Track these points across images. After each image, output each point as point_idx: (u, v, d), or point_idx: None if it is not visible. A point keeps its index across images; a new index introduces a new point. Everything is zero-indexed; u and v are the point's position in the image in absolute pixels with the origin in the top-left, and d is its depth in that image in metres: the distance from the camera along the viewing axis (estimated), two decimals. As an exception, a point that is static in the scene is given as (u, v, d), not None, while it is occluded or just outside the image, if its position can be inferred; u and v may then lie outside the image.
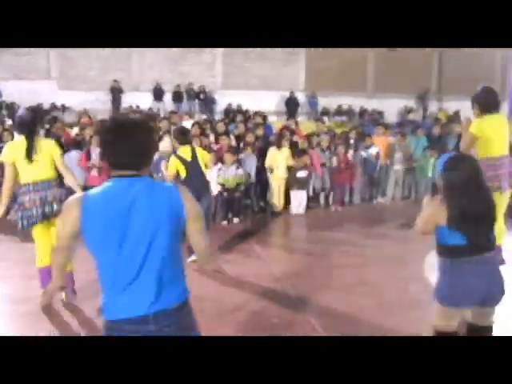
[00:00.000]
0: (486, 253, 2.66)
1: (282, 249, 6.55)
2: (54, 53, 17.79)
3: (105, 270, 1.85)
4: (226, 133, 8.97)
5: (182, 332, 1.89)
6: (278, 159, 8.05)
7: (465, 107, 6.87)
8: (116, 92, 17.55)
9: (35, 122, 4.32)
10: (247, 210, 8.04)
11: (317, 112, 19.50)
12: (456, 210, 2.58)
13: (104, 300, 1.88)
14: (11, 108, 15.09)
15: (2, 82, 16.45)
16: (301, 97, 19.53)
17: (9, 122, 10.29)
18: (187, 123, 9.62)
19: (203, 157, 5.54)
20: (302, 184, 8.20)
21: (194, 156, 5.39)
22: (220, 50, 19.27)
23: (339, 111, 19.88)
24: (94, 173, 7.39)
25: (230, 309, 4.23)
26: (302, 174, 8.16)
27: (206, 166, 5.58)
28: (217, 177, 7.57)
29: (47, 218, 4.18)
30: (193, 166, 5.34)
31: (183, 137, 5.51)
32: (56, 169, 4.27)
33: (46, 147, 4.23)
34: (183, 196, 1.87)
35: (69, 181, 4.33)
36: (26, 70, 17.30)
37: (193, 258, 4.70)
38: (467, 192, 2.59)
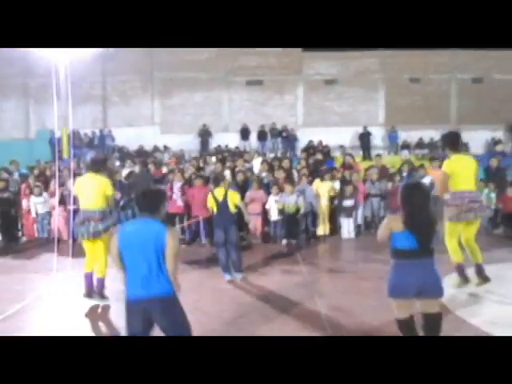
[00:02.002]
0: (423, 258, 3.56)
1: (321, 267, 7.58)
2: (156, 102, 20.65)
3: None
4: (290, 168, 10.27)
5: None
6: (321, 190, 9.21)
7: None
8: (205, 135, 19.77)
9: (104, 163, 5.76)
10: (303, 234, 9.13)
11: (397, 146, 19.94)
12: (409, 216, 3.53)
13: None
14: (121, 151, 17.83)
15: (115, 129, 19.51)
16: (380, 132, 20.19)
17: (117, 163, 12.55)
18: (257, 161, 11.06)
19: (233, 198, 6.66)
20: (348, 212, 9.19)
21: (226, 197, 6.59)
22: (301, 92, 20.82)
23: (420, 144, 20.03)
24: (178, 203, 8.98)
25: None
26: (347, 202, 9.20)
27: (234, 205, 6.67)
28: (275, 203, 8.85)
29: (93, 235, 5.39)
30: (222, 205, 6.59)
31: (217, 181, 6.92)
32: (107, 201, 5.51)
33: (101, 184, 5.44)
34: (167, 232, 3.18)
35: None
36: (134, 117, 20.30)
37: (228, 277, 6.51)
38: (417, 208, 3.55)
